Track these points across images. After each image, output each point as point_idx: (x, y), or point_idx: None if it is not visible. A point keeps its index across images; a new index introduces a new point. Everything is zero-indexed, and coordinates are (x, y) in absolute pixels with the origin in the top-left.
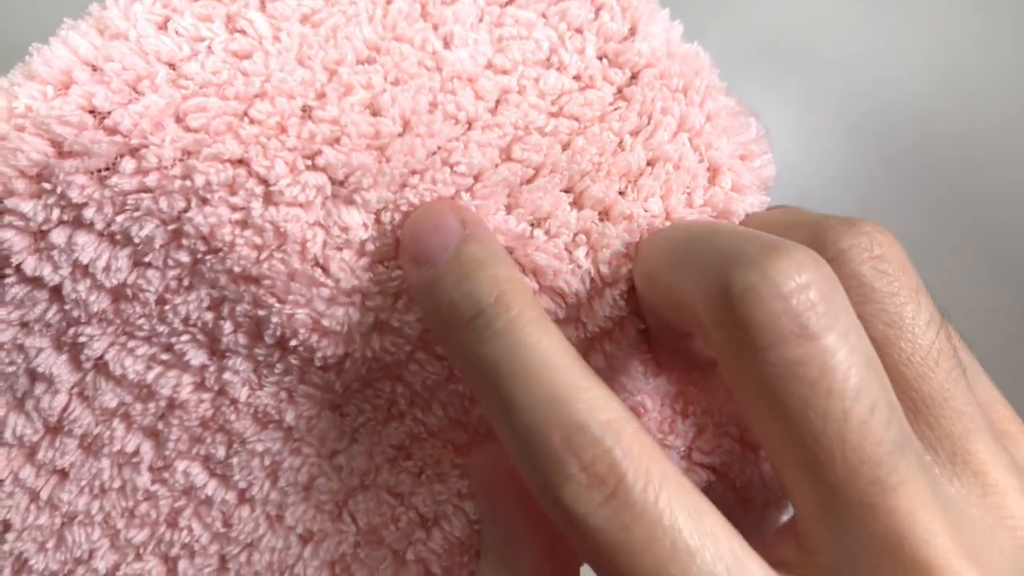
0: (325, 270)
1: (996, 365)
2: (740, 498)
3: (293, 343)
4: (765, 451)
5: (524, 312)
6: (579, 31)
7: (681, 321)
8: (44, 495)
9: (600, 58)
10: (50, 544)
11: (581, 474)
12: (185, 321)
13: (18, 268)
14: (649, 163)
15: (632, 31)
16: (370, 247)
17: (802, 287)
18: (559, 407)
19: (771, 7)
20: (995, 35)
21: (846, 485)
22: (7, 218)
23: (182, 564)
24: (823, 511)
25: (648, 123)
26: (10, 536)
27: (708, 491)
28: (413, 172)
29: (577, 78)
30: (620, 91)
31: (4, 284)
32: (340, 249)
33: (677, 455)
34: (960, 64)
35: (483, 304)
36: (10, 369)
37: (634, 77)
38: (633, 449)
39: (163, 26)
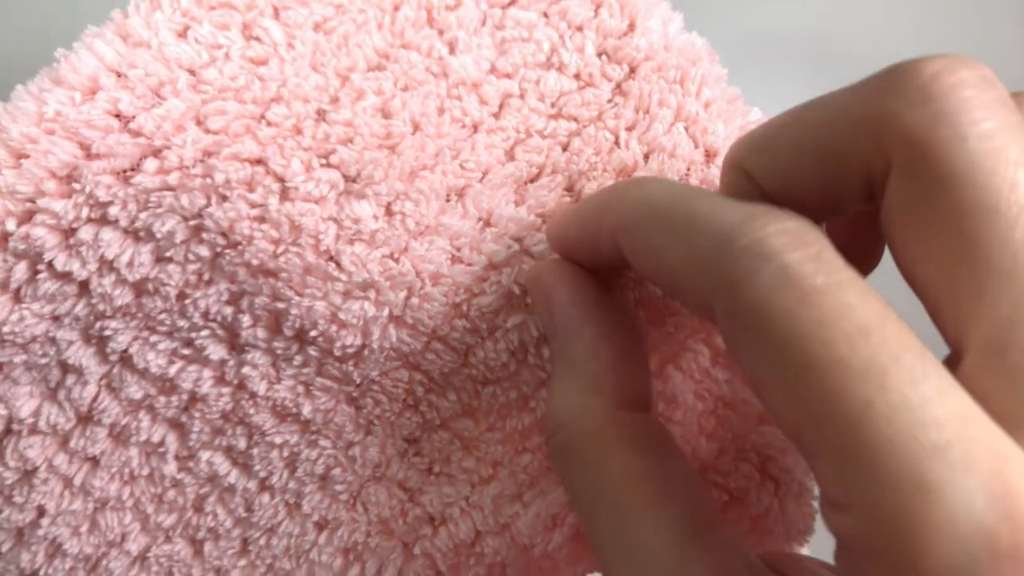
0: (338, 264)
1: None
2: (756, 527)
3: (313, 334)
4: (910, 265)
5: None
6: (579, 29)
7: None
8: (77, 481)
9: (600, 55)
10: (84, 528)
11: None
12: (205, 316)
13: (50, 264)
14: (645, 156)
15: (631, 26)
16: (380, 238)
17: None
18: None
19: None
20: (1002, 26)
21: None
22: (39, 216)
23: (207, 546)
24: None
25: (644, 117)
26: (44, 521)
27: (721, 512)
28: (424, 167)
29: (577, 76)
30: (618, 86)
31: (37, 280)
32: (352, 242)
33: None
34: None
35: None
36: (43, 361)
37: (632, 71)
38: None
39: (183, 34)
